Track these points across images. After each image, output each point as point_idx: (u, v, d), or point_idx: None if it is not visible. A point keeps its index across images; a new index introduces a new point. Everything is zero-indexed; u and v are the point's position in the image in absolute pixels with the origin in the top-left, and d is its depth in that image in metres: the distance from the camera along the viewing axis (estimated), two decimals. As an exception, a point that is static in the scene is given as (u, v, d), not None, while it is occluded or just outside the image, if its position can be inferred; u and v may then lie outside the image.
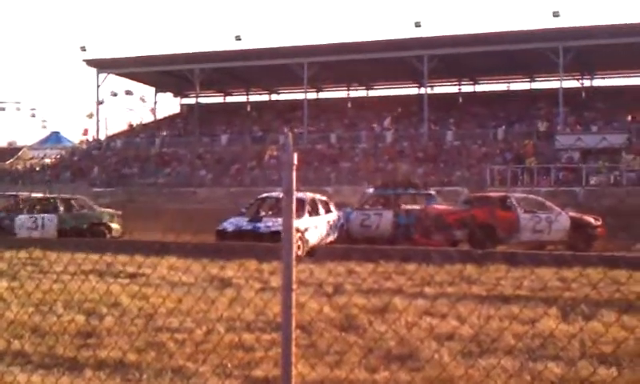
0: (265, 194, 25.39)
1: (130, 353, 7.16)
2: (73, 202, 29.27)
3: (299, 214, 21.01)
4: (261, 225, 20.76)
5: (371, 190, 26.84)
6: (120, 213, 28.95)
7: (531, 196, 25.53)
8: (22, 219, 26.80)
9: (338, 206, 24.18)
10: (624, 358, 6.81)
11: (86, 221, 27.58)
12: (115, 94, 68.22)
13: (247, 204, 24.09)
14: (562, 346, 7.12)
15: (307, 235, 20.34)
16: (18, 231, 26.29)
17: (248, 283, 10.97)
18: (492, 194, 26.39)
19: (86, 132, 70.86)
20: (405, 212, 24.10)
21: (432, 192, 25.49)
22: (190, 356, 7.10)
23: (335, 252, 15.00)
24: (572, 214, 22.76)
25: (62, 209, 28.02)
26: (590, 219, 22.49)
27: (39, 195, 30.45)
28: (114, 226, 28.01)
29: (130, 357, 7.09)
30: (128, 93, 69.71)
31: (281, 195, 19.40)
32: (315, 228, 21.11)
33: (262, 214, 22.48)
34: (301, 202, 21.66)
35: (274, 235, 19.20)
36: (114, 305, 8.95)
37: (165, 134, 66.01)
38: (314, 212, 21.86)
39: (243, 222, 21.27)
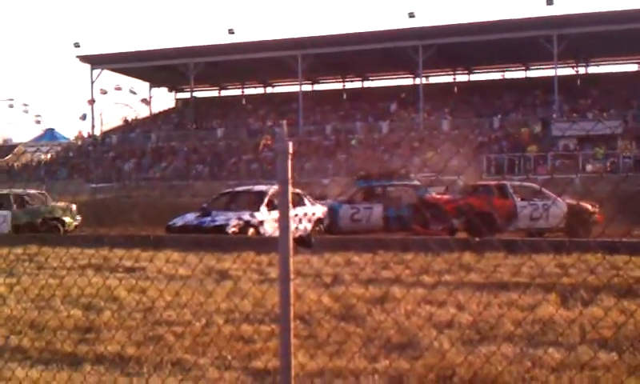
0: (228, 189, 25.31)
1: (129, 346, 7.14)
2: (26, 197, 29.03)
3: (256, 208, 20.90)
4: (206, 220, 20.43)
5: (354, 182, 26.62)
6: (74, 206, 28.78)
7: (528, 183, 25.53)
8: None
9: (320, 199, 23.72)
10: (624, 342, 6.80)
11: (40, 216, 27.51)
12: (105, 92, 68.01)
13: (210, 199, 23.85)
14: (562, 332, 7.11)
15: (264, 229, 20.04)
16: None
17: (246, 275, 10.95)
18: (489, 183, 26.32)
19: (80, 134, 70.82)
20: (395, 204, 23.96)
21: (417, 182, 25.03)
22: (189, 348, 7.08)
23: (334, 242, 14.96)
24: (569, 200, 22.73)
25: (14, 205, 27.90)
26: (587, 206, 22.45)
27: None
28: (68, 219, 27.88)
29: (129, 350, 7.06)
30: (117, 88, 69.49)
31: (242, 189, 19.11)
32: (275, 222, 20.56)
33: (217, 209, 22.00)
34: (259, 195, 21.55)
35: (217, 230, 19.18)
36: (111, 299, 8.92)
37: (160, 128, 65.93)
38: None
39: (192, 218, 21.06)
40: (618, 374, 5.86)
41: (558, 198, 22.71)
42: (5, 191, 29.71)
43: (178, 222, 21.08)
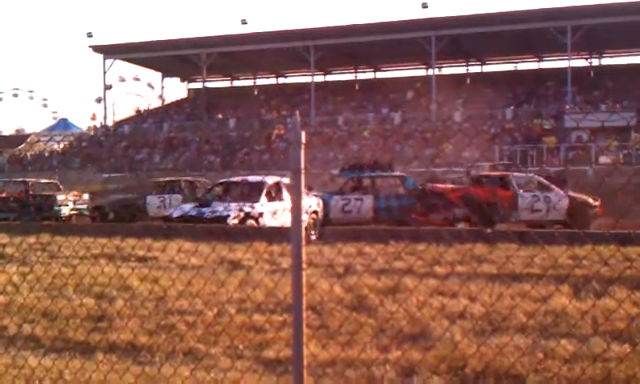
0: (223, 179, 25.03)
1: (141, 335, 7.16)
2: (197, 183, 30.63)
3: (255, 199, 20.68)
4: (206, 210, 20.11)
5: (336, 172, 26.32)
6: None
7: (531, 175, 25.41)
8: None
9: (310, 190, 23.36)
10: (637, 334, 6.77)
11: None
12: (124, 80, 68.08)
13: (205, 190, 23.73)
14: (575, 323, 7.08)
15: (263, 221, 19.71)
16: None
17: (258, 264, 10.96)
18: (492, 173, 26.26)
19: (94, 117, 70.93)
20: (384, 195, 23.65)
21: (403, 173, 24.76)
22: (201, 338, 7.09)
23: (345, 233, 14.96)
24: (571, 193, 22.68)
25: (185, 191, 29.24)
26: (589, 199, 22.38)
27: None
28: None
29: (141, 339, 7.08)
30: (136, 79, 69.58)
31: (240, 180, 18.82)
32: (274, 214, 20.30)
33: (216, 199, 21.78)
34: (258, 186, 21.28)
35: (218, 220, 18.89)
36: (124, 288, 8.94)
37: (172, 118, 66.00)
38: (277, 197, 21.03)
39: (189, 208, 20.78)
40: (630, 366, 5.83)
41: (561, 191, 22.64)
42: (174, 179, 31.72)
43: (176, 212, 20.92)
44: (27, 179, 31.66)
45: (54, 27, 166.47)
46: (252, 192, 21.49)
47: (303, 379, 3.98)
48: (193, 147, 58.06)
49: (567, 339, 6.62)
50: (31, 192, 29.50)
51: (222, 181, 24.52)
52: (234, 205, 20.36)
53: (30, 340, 7.33)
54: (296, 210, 4.09)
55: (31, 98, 78.09)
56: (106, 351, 6.88)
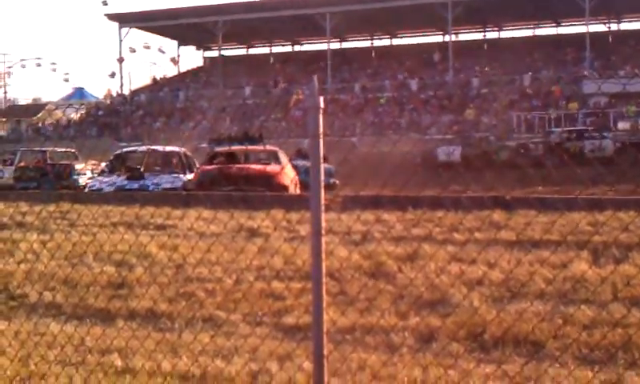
0: (122, 150, 24.61)
1: (161, 303, 7.20)
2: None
3: (182, 169, 20.80)
4: (146, 183, 19.56)
5: (204, 145, 25.29)
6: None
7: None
8: None
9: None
10: (657, 300, 6.75)
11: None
12: (134, 51, 67.93)
13: (106, 162, 22.97)
14: (594, 290, 7.06)
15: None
16: None
17: (276, 232, 10.97)
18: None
19: (109, 93, 71.11)
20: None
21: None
22: (221, 305, 7.13)
23: (362, 200, 14.94)
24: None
25: None
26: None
27: None
28: None
29: (161, 306, 7.13)
30: (146, 47, 69.40)
31: (138, 149, 18.38)
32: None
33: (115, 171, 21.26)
34: (179, 156, 21.45)
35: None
36: (143, 256, 8.98)
37: (188, 87, 65.98)
38: (194, 167, 21.03)
39: (119, 180, 20.02)
40: (651, 332, 5.81)
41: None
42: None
43: (99, 185, 20.23)
44: (45, 148, 31.82)
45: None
46: (176, 163, 21.52)
47: (323, 345, 3.99)
48: (209, 115, 58.04)
49: (586, 305, 6.60)
50: (49, 161, 29.66)
51: (122, 151, 24.00)
52: (170, 177, 20.21)
53: (52, 307, 7.39)
54: (316, 176, 4.07)
55: (54, 69, 78.43)
56: (126, 318, 6.93)
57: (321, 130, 4.01)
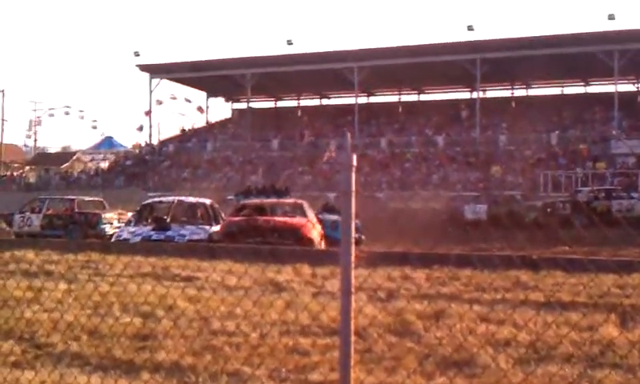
0: (150, 200, 24.68)
1: (187, 356, 7.19)
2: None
3: (208, 221, 20.64)
4: (173, 234, 19.46)
5: (231, 197, 25.15)
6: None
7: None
8: None
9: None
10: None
11: None
12: (161, 103, 68.60)
13: (133, 212, 23.02)
14: (622, 354, 6.97)
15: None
16: None
17: (302, 287, 10.96)
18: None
19: (137, 144, 71.87)
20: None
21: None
22: (246, 360, 7.11)
23: (389, 257, 14.90)
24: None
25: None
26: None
27: None
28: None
29: (187, 360, 7.12)
30: (173, 98, 70.03)
31: (165, 199, 18.30)
32: None
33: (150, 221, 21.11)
34: (204, 207, 21.29)
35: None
36: (170, 308, 9.00)
37: (216, 138, 66.49)
38: (220, 218, 20.99)
39: (148, 231, 19.87)
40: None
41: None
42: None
43: (126, 235, 20.16)
44: (73, 197, 32.13)
45: (101, 47, 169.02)
46: (201, 214, 21.40)
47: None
48: (236, 167, 58.40)
49: (615, 370, 6.51)
50: (77, 210, 29.89)
51: (148, 202, 24.03)
52: (197, 229, 20.11)
53: (78, 357, 7.40)
54: (347, 234, 4.09)
55: (82, 117, 79.48)
56: (152, 371, 6.92)
57: (353, 187, 4.04)
